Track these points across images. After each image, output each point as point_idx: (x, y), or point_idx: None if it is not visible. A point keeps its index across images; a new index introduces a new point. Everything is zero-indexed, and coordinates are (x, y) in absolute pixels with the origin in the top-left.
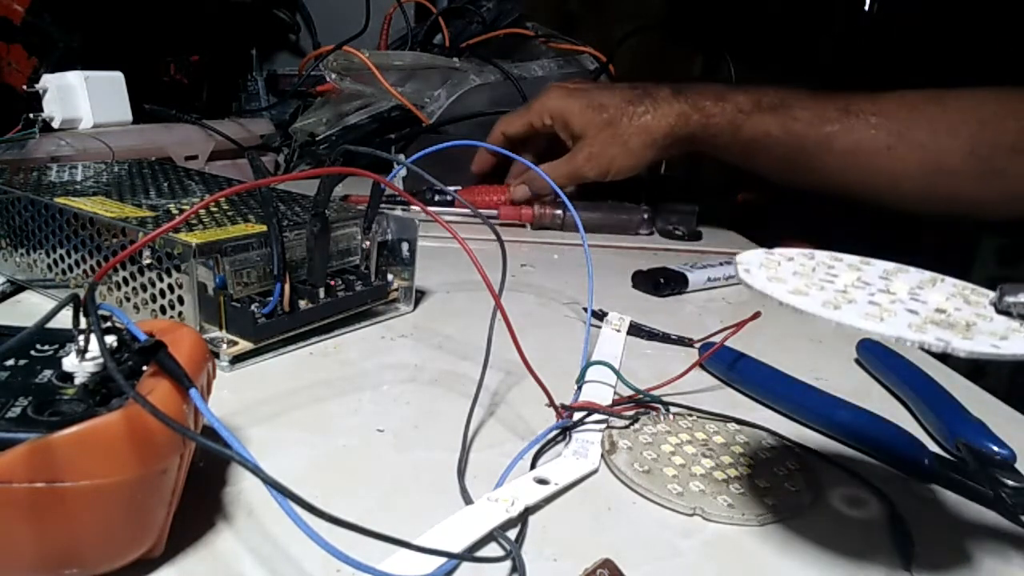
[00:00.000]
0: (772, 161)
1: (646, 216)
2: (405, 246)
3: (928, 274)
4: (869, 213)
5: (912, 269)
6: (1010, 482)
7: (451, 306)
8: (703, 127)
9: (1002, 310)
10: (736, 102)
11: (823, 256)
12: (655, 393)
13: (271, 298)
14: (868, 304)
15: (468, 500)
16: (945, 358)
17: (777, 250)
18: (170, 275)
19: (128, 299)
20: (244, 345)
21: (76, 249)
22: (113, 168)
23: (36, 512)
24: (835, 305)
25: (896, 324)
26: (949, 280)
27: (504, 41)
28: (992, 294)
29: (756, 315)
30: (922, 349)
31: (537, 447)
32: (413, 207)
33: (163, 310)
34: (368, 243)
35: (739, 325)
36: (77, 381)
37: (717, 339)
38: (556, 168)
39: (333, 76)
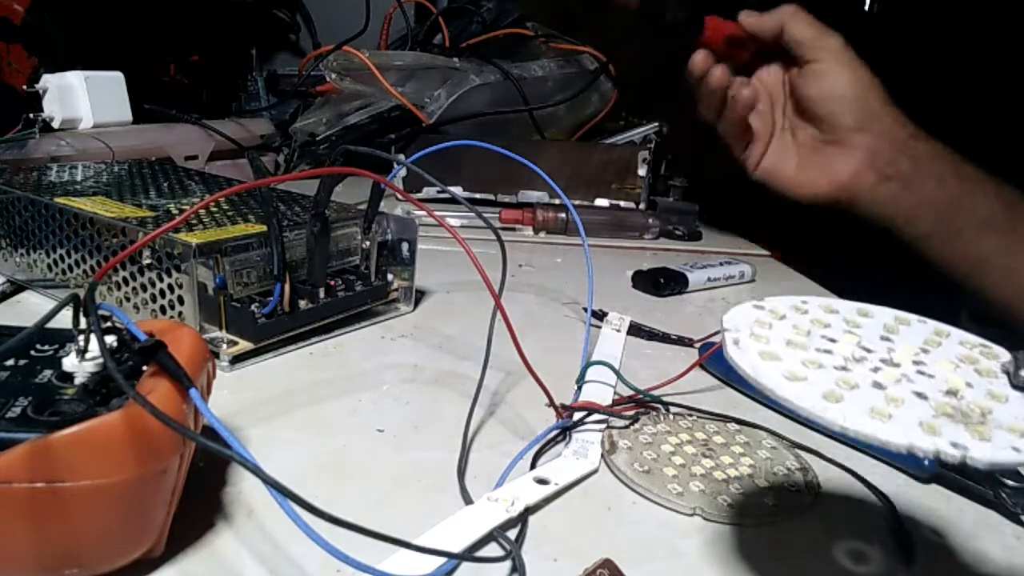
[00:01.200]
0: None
1: (651, 220)
2: (405, 246)
3: (931, 326)
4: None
5: (913, 319)
6: (1010, 482)
7: (451, 306)
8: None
9: (1017, 385)
10: (973, 200)
11: (817, 307)
12: (655, 393)
13: (271, 298)
14: (872, 387)
15: (468, 500)
16: None
17: (767, 303)
18: (170, 275)
19: (128, 299)
20: (244, 345)
21: (76, 249)
22: (113, 168)
23: (36, 512)
24: (836, 397)
25: (906, 422)
26: (955, 334)
27: (504, 41)
28: (1003, 355)
29: None
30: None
31: (537, 447)
32: (415, 205)
33: (163, 310)
34: (368, 243)
35: None
36: (77, 381)
37: (717, 339)
38: (805, 17)
39: (333, 76)
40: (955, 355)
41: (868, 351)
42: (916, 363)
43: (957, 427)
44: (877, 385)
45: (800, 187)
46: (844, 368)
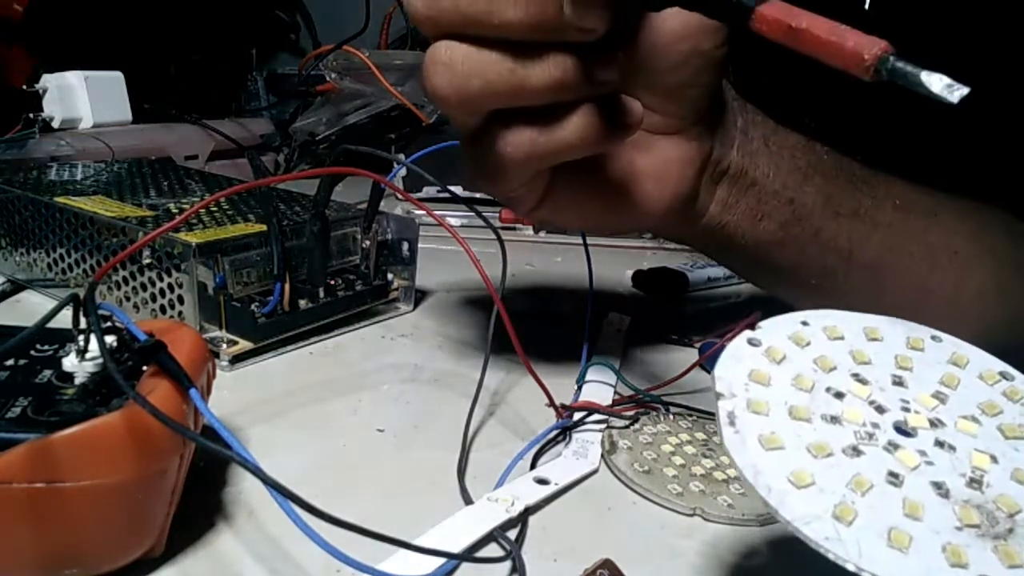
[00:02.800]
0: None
1: None
2: (405, 246)
3: (947, 348)
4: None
5: (926, 337)
6: None
7: (451, 306)
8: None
9: None
10: (803, 191)
11: (819, 332)
12: (655, 393)
13: (271, 298)
14: (887, 484)
15: (468, 500)
16: None
17: (763, 333)
18: (170, 275)
19: (128, 299)
20: (244, 345)
21: (76, 248)
22: (113, 167)
23: (36, 512)
24: (849, 513)
25: (929, 549)
26: (973, 361)
27: None
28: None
29: (756, 316)
30: None
31: (537, 447)
32: (417, 205)
33: (163, 309)
34: (368, 243)
35: (739, 327)
36: (77, 381)
37: (717, 339)
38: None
39: (333, 76)
40: (976, 402)
41: (881, 411)
42: (934, 424)
43: (984, 547)
44: (893, 479)
45: (643, 203)
46: (855, 451)
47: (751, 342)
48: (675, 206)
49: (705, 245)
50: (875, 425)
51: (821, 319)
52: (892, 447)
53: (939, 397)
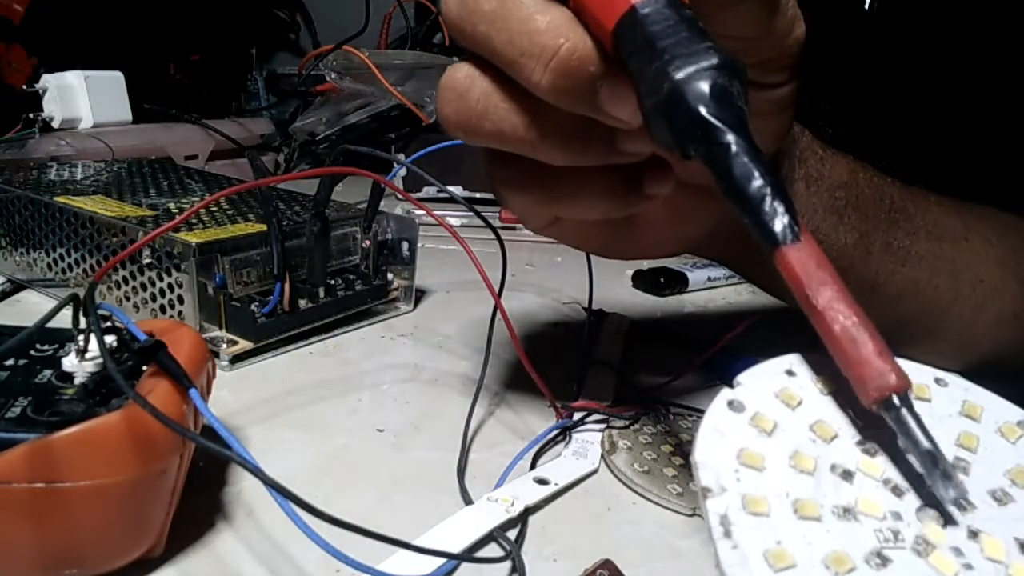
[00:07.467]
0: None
1: None
2: (405, 245)
3: (957, 396)
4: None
5: (930, 382)
6: None
7: (451, 306)
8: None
9: None
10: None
11: (809, 386)
12: (655, 393)
13: (271, 297)
14: None
15: (468, 500)
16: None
17: (745, 394)
18: (170, 274)
19: (128, 298)
20: (244, 344)
21: (76, 248)
22: (113, 167)
23: (36, 512)
24: None
25: None
26: (989, 412)
27: None
28: None
29: (756, 319)
30: None
31: (537, 447)
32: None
33: (163, 309)
34: (368, 243)
35: (739, 329)
36: (77, 381)
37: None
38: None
39: (333, 76)
40: (1003, 470)
41: (899, 494)
42: (962, 507)
43: None
44: None
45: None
46: (881, 559)
47: (732, 405)
48: (689, 248)
49: (719, 260)
50: (896, 516)
51: (805, 370)
52: (923, 546)
53: (961, 466)
